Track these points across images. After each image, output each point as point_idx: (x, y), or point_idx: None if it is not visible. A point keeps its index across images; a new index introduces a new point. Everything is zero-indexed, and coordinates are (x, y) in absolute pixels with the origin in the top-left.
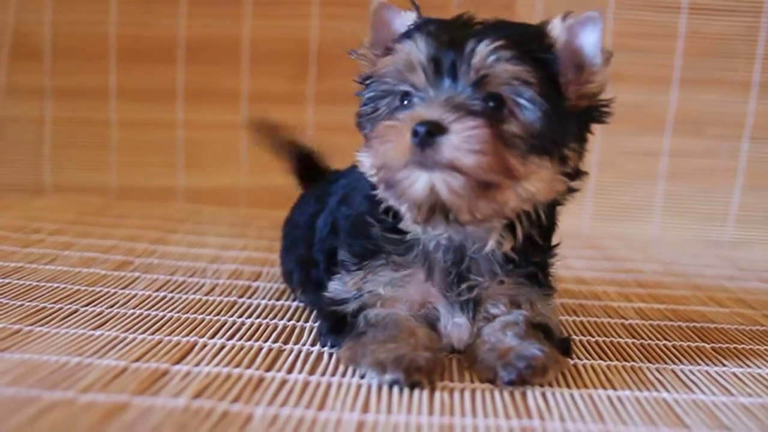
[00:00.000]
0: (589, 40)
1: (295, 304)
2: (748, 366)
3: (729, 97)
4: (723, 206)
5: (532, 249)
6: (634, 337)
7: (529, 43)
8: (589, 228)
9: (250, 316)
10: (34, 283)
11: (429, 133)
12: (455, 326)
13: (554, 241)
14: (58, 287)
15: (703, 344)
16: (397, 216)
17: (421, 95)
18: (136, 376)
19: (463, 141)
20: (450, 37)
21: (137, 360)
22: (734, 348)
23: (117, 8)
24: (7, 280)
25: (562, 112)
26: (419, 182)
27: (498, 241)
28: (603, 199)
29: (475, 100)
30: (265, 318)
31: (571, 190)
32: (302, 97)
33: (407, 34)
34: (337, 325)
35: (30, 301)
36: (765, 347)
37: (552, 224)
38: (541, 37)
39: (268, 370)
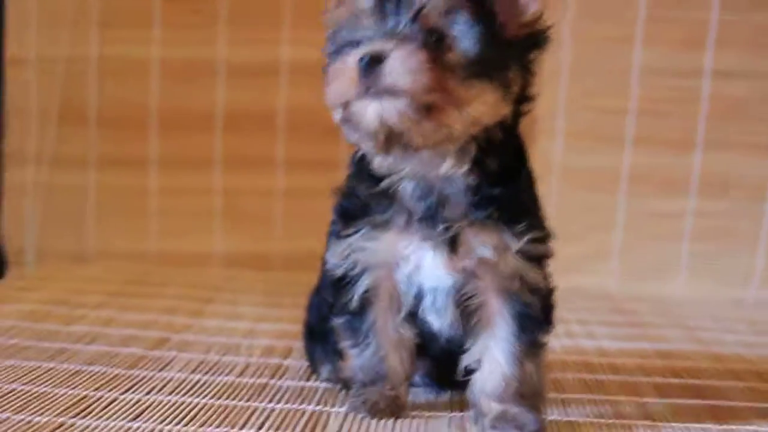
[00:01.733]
0: None
1: (323, 386)
2: None
3: (750, 159)
4: (747, 266)
5: (493, 176)
6: (647, 418)
7: None
8: (616, 289)
9: (279, 401)
10: (77, 367)
11: (371, 62)
12: (431, 263)
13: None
14: (98, 371)
15: (713, 425)
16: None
17: (369, 36)
18: None
19: (400, 64)
20: None
21: None
22: (743, 429)
23: (158, 82)
24: (51, 365)
25: (499, 39)
26: (369, 111)
27: (454, 165)
28: (630, 260)
29: (414, 32)
30: (294, 403)
31: (521, 114)
32: (335, 163)
33: None
34: (337, 288)
35: (72, 388)
36: None
37: (512, 150)
38: None
39: None
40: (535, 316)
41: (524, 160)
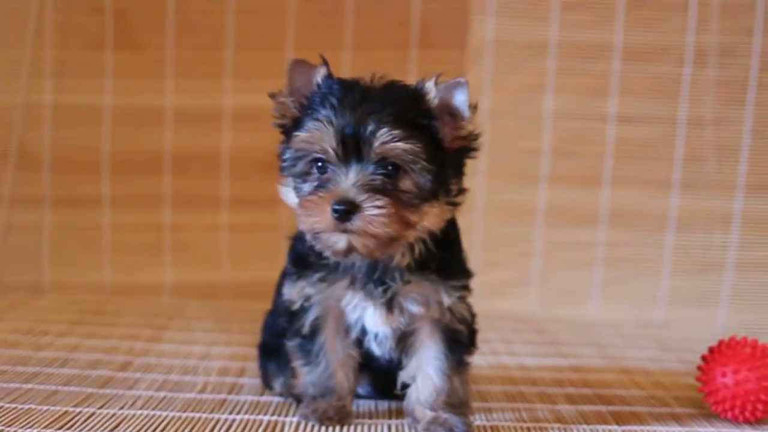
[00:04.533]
0: (460, 99)
1: (276, 399)
2: None
3: (652, 194)
4: (653, 290)
5: (433, 255)
6: (559, 422)
7: (414, 115)
8: (535, 311)
9: (239, 413)
10: (54, 388)
11: (346, 212)
12: (371, 317)
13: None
14: (74, 391)
15: (616, 426)
16: None
17: (334, 169)
18: None
19: (372, 217)
20: (352, 121)
21: None
22: (641, 430)
23: (109, 127)
24: (30, 386)
25: (444, 163)
26: (340, 242)
27: (401, 258)
28: (548, 285)
29: (377, 173)
30: (252, 414)
31: (457, 205)
32: (276, 200)
33: (314, 107)
34: (291, 315)
35: (53, 405)
36: (666, 428)
37: (449, 231)
38: (421, 103)
39: None
40: (462, 340)
41: (454, 225)
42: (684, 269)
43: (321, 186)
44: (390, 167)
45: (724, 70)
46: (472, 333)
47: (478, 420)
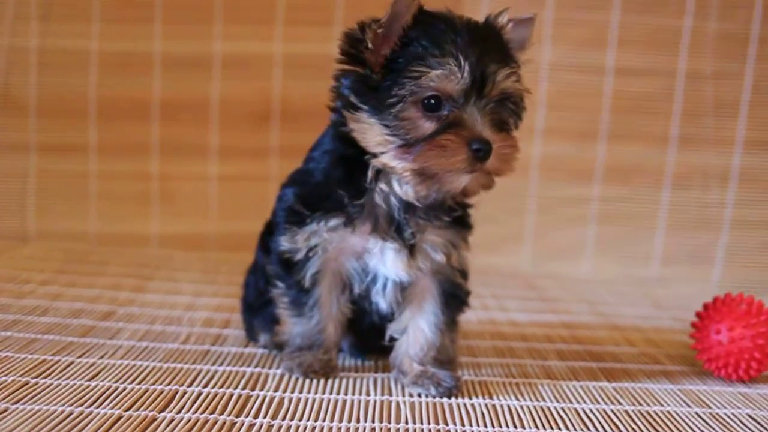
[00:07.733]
0: (526, 34)
1: (260, 351)
2: (640, 404)
3: (649, 149)
4: (647, 247)
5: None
6: (549, 378)
7: (512, 55)
8: (528, 267)
9: (221, 364)
10: (33, 336)
11: (486, 151)
12: (391, 262)
13: None
14: (53, 339)
15: (607, 383)
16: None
17: (456, 108)
18: (130, 424)
19: (505, 155)
20: (477, 61)
21: (129, 408)
22: (632, 387)
23: (96, 73)
24: (8, 333)
25: None
26: (462, 181)
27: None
28: (541, 241)
29: (493, 111)
30: (235, 365)
31: None
32: (266, 151)
33: (425, 44)
34: (288, 267)
35: (31, 353)
36: (658, 386)
37: None
38: (505, 39)
39: (238, 415)
40: (459, 296)
41: None
42: (679, 226)
43: (451, 125)
44: (496, 103)
45: (725, 22)
46: (467, 292)
47: (466, 375)
